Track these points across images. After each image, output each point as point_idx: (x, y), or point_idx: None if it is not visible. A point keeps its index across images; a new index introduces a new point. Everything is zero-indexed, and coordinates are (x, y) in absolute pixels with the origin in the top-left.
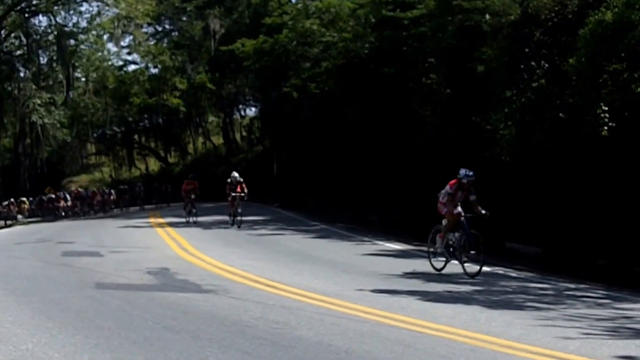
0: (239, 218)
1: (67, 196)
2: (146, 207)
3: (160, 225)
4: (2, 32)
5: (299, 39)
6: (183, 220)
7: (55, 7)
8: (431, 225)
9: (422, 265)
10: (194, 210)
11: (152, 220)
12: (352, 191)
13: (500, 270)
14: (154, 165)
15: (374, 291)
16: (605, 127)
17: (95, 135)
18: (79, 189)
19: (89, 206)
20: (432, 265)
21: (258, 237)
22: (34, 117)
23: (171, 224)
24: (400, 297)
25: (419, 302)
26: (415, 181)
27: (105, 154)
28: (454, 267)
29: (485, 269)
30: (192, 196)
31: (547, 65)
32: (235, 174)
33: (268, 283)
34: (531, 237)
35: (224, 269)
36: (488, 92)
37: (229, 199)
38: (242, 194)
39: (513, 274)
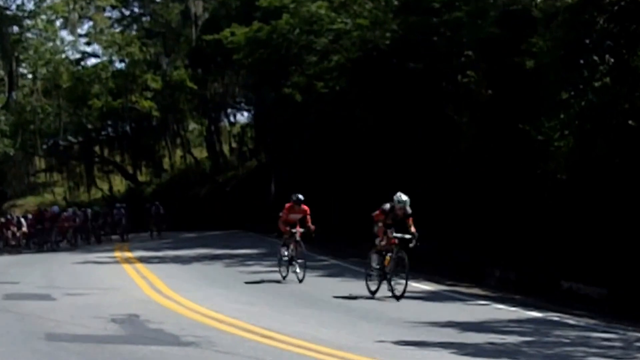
0: (298, 271)
1: (22, 220)
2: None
3: (128, 260)
4: None
5: (302, 26)
6: (156, 254)
7: None
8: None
9: (457, 310)
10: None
11: (117, 254)
12: (369, 216)
13: (554, 316)
14: (119, 184)
15: (397, 343)
16: None
17: (45, 147)
18: (46, 209)
19: (59, 234)
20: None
21: (251, 275)
22: None
23: (142, 259)
24: (431, 351)
25: (454, 358)
26: (448, 203)
27: (58, 170)
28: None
29: (536, 314)
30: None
31: (612, 60)
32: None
33: (264, 333)
34: (593, 275)
35: (209, 316)
36: (539, 93)
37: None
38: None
39: (571, 321)
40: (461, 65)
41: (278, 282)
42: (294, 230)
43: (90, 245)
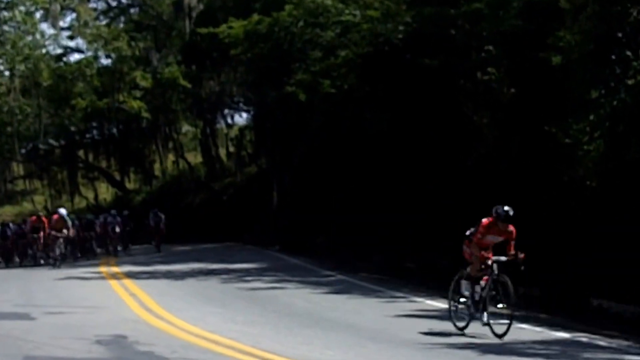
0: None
1: (7, 230)
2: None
3: (115, 276)
4: None
5: (307, 19)
6: (146, 269)
7: None
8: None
9: (476, 330)
10: None
11: (103, 269)
12: (380, 228)
13: (583, 336)
14: (106, 192)
15: None
16: None
17: (24, 151)
18: (39, 214)
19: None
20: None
21: (250, 293)
22: None
23: (130, 275)
24: None
25: None
26: (465, 211)
27: (39, 177)
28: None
29: (563, 335)
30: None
31: None
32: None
33: (264, 356)
34: (626, 292)
35: (203, 337)
36: (566, 92)
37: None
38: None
39: (601, 343)
40: (481, 61)
41: (277, 298)
42: (493, 259)
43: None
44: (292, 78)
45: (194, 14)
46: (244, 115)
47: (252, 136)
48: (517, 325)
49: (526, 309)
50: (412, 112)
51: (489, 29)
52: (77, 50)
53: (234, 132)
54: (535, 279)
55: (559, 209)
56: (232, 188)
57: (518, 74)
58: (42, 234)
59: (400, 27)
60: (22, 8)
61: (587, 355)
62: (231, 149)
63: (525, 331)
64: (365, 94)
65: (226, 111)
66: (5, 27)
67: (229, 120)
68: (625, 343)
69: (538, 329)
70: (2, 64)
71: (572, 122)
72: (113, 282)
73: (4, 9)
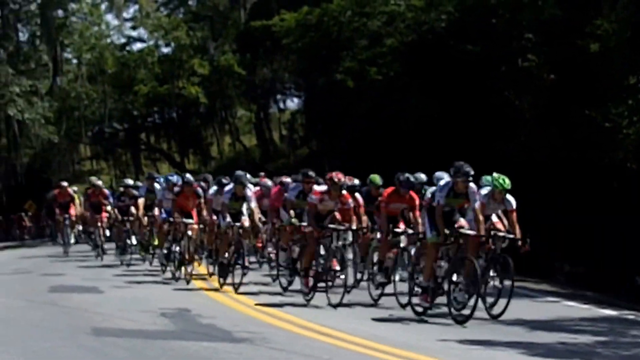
0: None
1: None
2: None
3: None
4: None
5: (354, 9)
6: None
7: None
8: None
9: (525, 307)
10: None
11: None
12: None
13: (630, 314)
14: (166, 172)
15: (461, 342)
16: None
17: (90, 134)
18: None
19: None
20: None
21: None
22: (11, 111)
23: None
24: (498, 351)
25: (523, 358)
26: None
27: (104, 158)
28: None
29: (610, 312)
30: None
31: None
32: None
33: (320, 330)
34: None
35: (262, 311)
36: (605, 78)
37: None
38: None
39: None
40: (521, 49)
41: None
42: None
43: None
44: (341, 65)
45: (248, 5)
46: (295, 100)
47: (303, 120)
48: (564, 302)
49: (573, 287)
50: (454, 97)
51: (528, 17)
52: (140, 39)
53: (286, 117)
54: (580, 257)
55: (601, 190)
56: (285, 168)
57: (558, 60)
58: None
59: (443, 16)
60: (88, 0)
61: (634, 332)
62: (284, 132)
63: (572, 309)
64: (409, 81)
65: (278, 96)
66: (73, 19)
67: (281, 105)
68: None
69: (585, 306)
70: (70, 52)
71: (612, 107)
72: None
73: (72, 1)
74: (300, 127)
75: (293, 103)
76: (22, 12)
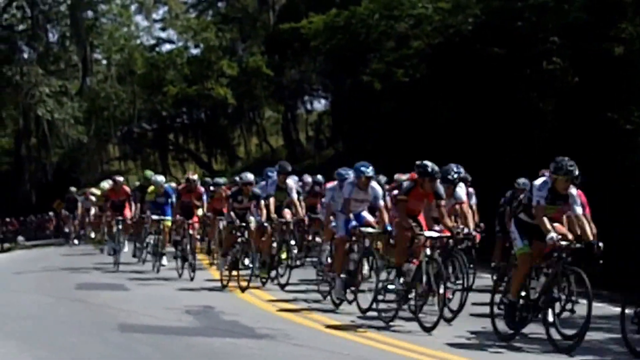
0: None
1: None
2: None
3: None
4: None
5: (382, 11)
6: None
7: None
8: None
9: None
10: None
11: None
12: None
13: None
14: (194, 172)
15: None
16: None
17: (119, 134)
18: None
19: None
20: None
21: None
22: (41, 111)
23: None
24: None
25: (534, 357)
26: None
27: (132, 158)
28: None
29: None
30: None
31: None
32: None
33: (342, 326)
34: None
35: (286, 308)
36: (628, 81)
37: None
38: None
39: None
40: (546, 52)
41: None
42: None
43: None
44: (368, 67)
45: (277, 7)
46: (322, 101)
47: (330, 121)
48: (579, 300)
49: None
50: (479, 99)
51: (553, 21)
52: (169, 41)
53: (313, 118)
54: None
55: (620, 192)
56: (311, 169)
57: (582, 63)
58: None
59: (470, 19)
60: (118, 2)
61: None
62: (310, 133)
63: (586, 306)
64: (435, 83)
65: (306, 98)
66: (103, 20)
67: (309, 106)
68: None
69: (600, 304)
70: (99, 53)
71: (634, 109)
72: (201, 256)
73: (102, 2)
74: (326, 128)
75: (320, 104)
76: (52, 13)
